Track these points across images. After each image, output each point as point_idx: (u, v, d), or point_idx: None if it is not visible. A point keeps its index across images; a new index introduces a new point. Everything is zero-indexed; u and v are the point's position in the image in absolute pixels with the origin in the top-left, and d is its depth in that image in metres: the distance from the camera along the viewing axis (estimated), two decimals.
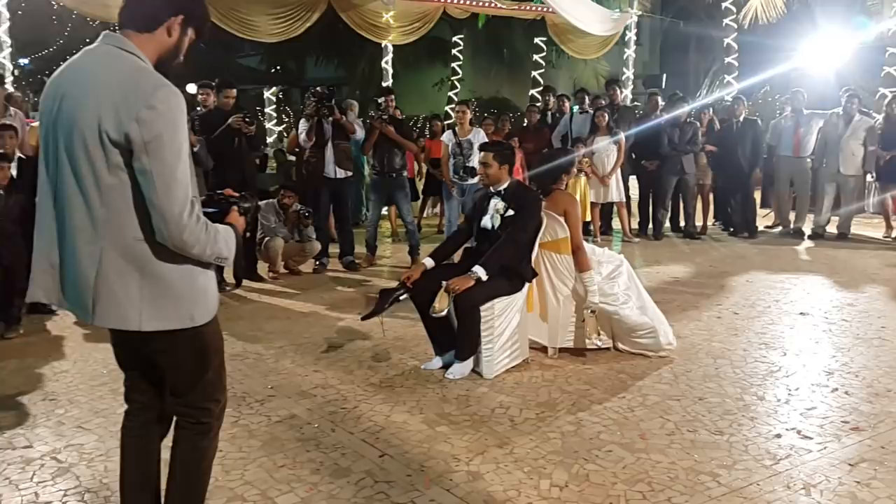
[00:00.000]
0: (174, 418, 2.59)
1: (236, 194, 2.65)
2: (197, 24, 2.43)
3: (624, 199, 10.20)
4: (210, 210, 2.48)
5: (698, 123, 10.40)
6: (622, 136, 9.83)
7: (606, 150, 9.75)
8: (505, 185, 4.93)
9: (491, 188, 4.98)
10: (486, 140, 7.65)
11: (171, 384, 2.52)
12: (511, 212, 4.82)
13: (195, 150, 6.93)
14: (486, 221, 4.93)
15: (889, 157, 9.79)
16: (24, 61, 14.94)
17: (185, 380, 2.49)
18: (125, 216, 2.24)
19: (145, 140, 2.15)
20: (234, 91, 7.66)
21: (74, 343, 5.57)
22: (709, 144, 10.43)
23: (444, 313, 4.62)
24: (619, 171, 9.89)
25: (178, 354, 2.43)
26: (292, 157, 10.12)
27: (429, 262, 4.91)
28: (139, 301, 2.27)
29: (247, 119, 7.39)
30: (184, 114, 2.23)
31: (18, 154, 6.34)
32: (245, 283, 7.58)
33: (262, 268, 7.90)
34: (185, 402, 2.52)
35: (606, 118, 9.84)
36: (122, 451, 2.64)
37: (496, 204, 4.90)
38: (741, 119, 10.35)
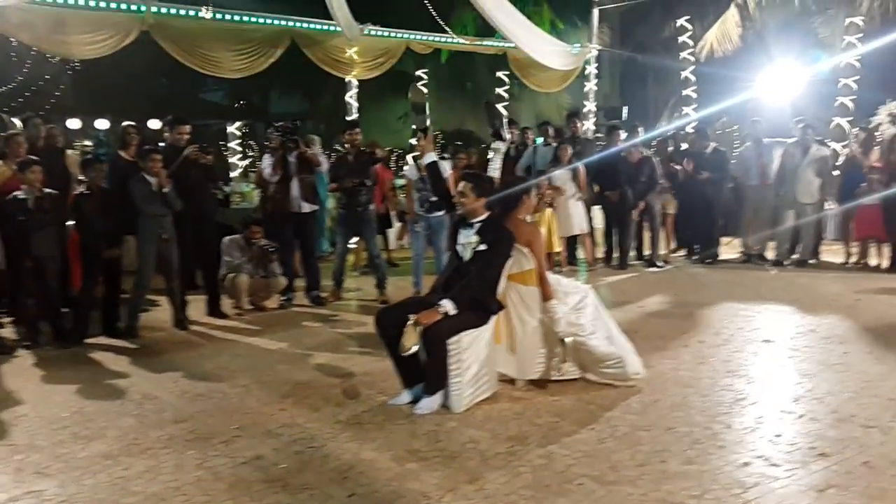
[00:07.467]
0: None
1: None
2: None
3: (587, 230, 10.26)
4: None
5: (656, 159, 10.48)
6: (579, 164, 9.90)
7: (561, 179, 9.76)
8: (482, 218, 4.92)
9: (466, 218, 4.97)
10: (448, 171, 7.68)
11: None
12: (483, 246, 4.82)
13: (164, 191, 6.87)
14: (459, 249, 4.93)
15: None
16: None
17: None
18: None
19: None
20: (188, 127, 7.57)
21: (34, 386, 5.43)
22: (681, 165, 10.59)
23: (413, 350, 4.58)
24: (581, 202, 9.96)
25: None
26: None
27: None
28: None
29: (203, 146, 7.39)
30: None
31: None
32: (209, 320, 7.51)
33: (226, 304, 7.81)
34: None
35: (569, 152, 9.92)
36: None
37: (469, 236, 4.89)
38: (709, 151, 10.60)
